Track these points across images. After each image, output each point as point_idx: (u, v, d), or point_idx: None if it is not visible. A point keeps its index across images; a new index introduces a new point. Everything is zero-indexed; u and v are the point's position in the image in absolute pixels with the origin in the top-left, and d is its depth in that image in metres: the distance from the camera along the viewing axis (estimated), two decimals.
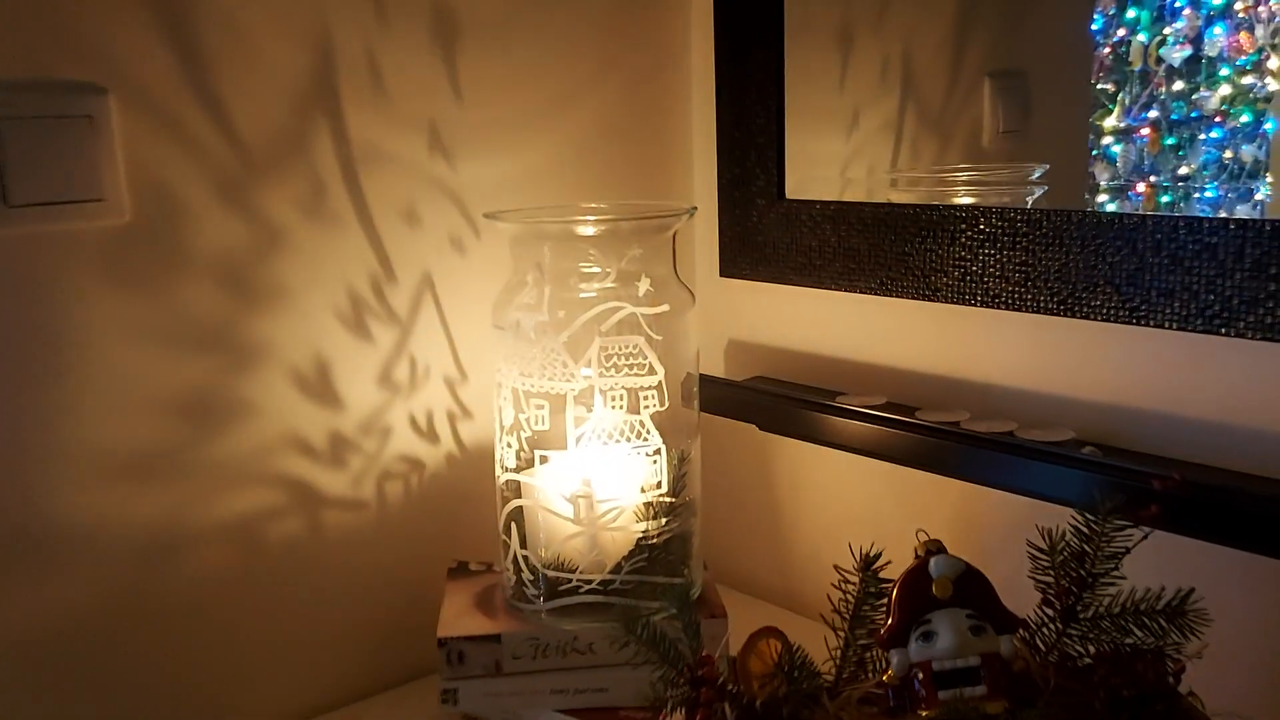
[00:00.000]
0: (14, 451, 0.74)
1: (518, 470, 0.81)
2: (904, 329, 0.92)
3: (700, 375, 0.86)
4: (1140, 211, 0.75)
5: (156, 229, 0.77)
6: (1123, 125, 0.90)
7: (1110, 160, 0.92)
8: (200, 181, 0.79)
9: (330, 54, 0.83)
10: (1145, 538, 0.61)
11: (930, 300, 0.87)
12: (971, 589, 0.60)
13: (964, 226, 0.84)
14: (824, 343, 0.99)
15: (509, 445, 0.81)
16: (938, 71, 0.99)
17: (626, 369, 0.77)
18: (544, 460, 0.81)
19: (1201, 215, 0.73)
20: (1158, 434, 0.76)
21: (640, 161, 1.04)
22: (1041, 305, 0.80)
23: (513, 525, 0.82)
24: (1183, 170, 0.87)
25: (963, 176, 0.96)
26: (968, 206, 0.86)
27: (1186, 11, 0.86)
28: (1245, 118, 0.83)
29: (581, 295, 0.78)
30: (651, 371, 0.78)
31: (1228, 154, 0.84)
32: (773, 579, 1.06)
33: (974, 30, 0.98)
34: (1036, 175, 0.92)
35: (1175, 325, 0.72)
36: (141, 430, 0.79)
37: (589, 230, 0.78)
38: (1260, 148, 0.83)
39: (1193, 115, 0.86)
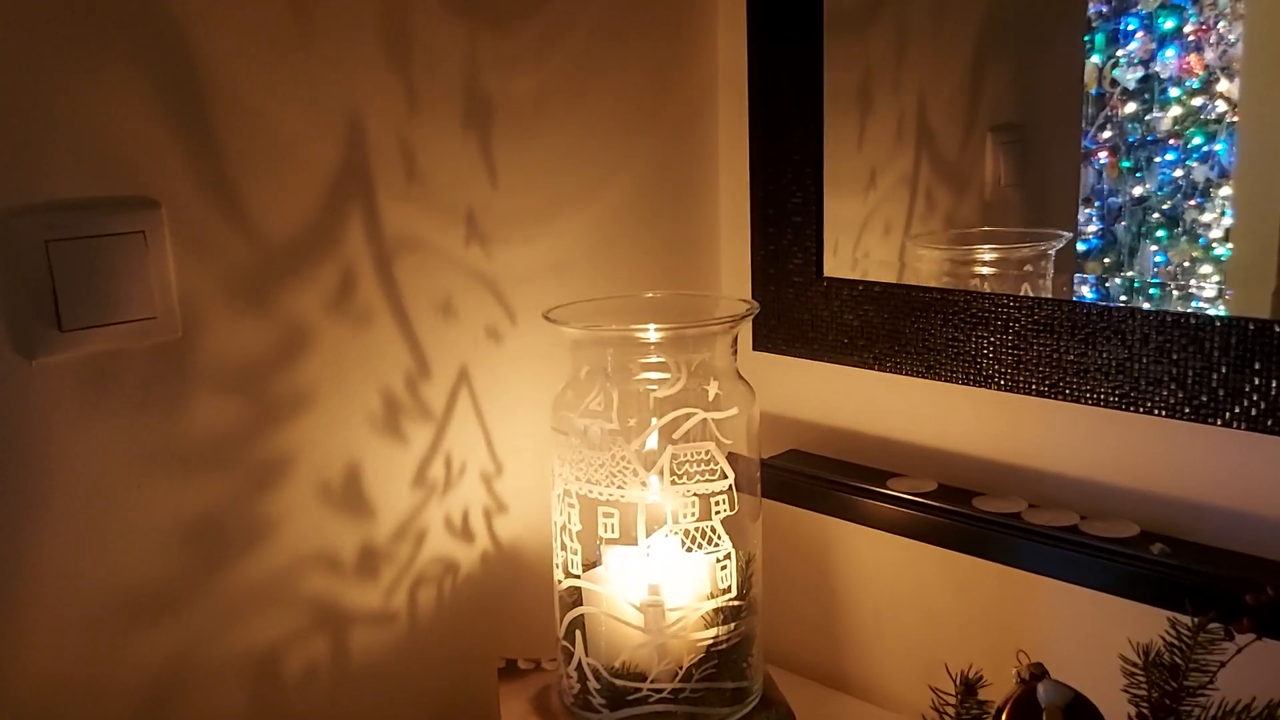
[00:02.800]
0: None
1: (579, 575, 0.84)
2: (952, 411, 0.98)
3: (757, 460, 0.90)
4: (1206, 311, 0.83)
5: (186, 343, 0.78)
6: (1082, 148, 0.97)
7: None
8: (227, 287, 0.79)
9: (363, 145, 0.85)
10: (1240, 651, 0.67)
11: (981, 387, 0.93)
12: (1080, 717, 0.65)
13: (1017, 316, 0.90)
14: (864, 420, 1.05)
15: (571, 551, 0.84)
16: (949, 127, 1.05)
17: (698, 475, 0.81)
18: (608, 567, 0.84)
19: (1272, 320, 0.80)
20: (1221, 528, 0.83)
21: (672, 237, 1.08)
22: (1101, 398, 0.86)
23: (576, 632, 0.85)
24: (1138, 191, 0.96)
25: (978, 234, 1.03)
26: (1023, 297, 0.92)
27: (1140, 34, 0.93)
28: (1197, 139, 0.91)
29: (650, 396, 0.82)
30: (723, 476, 0.82)
31: (1178, 172, 0.92)
32: (820, 658, 1.11)
33: (981, 84, 1.05)
34: (1060, 245, 0.99)
35: (1242, 425, 0.79)
36: (148, 562, 0.77)
37: (656, 335, 0.82)
38: (1213, 169, 0.90)
39: (1149, 139, 0.93)
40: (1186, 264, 0.93)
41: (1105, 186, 0.97)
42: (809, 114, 1.01)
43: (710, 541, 0.82)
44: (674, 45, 1.05)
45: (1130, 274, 0.95)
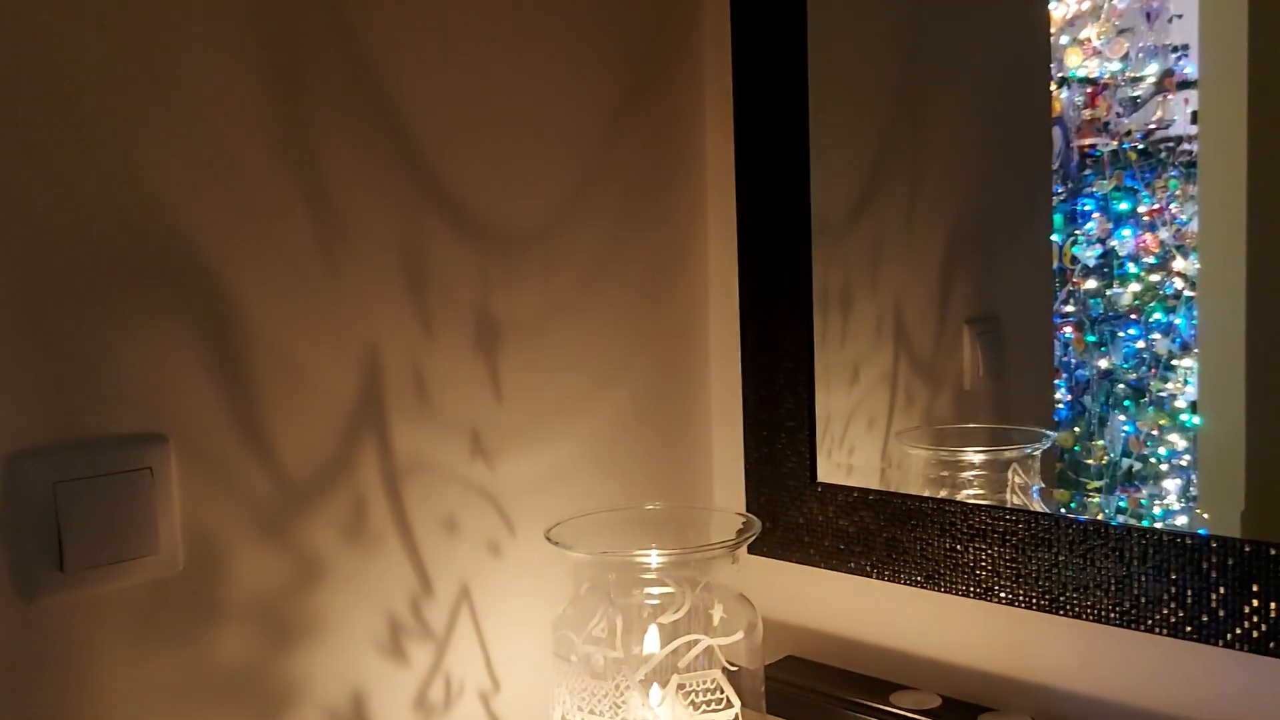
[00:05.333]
0: None
1: None
2: (954, 622, 0.96)
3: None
4: (1214, 535, 0.83)
5: (195, 577, 0.76)
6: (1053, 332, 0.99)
7: None
8: (241, 521, 0.79)
9: (378, 372, 0.86)
10: None
11: (981, 599, 0.92)
12: None
13: (1016, 529, 0.90)
14: (864, 628, 1.03)
15: None
16: (925, 322, 1.08)
17: (705, 705, 0.79)
18: None
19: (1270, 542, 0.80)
20: None
21: (667, 445, 1.09)
22: (1101, 616, 0.85)
23: None
24: (1104, 363, 0.97)
25: (963, 431, 1.04)
26: (1021, 510, 0.92)
27: (1096, 215, 0.96)
28: (1157, 314, 0.93)
29: (658, 621, 0.80)
30: (729, 705, 0.80)
31: (1141, 345, 0.94)
32: None
33: (953, 281, 1.08)
34: (1045, 446, 1.00)
35: (1248, 649, 0.78)
36: None
37: (659, 560, 0.81)
38: (1174, 341, 0.93)
39: (1110, 314, 0.96)
40: (1154, 432, 0.94)
41: (1072, 359, 1.00)
42: (799, 323, 1.03)
43: None
44: (668, 262, 1.09)
45: (1101, 484, 0.96)
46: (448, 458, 0.90)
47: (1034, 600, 0.89)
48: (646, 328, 1.07)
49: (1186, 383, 0.92)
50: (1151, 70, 0.93)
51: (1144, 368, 0.95)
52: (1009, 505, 0.97)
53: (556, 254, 0.98)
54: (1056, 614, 0.87)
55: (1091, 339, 0.98)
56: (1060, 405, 1.00)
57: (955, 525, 0.94)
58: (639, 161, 1.05)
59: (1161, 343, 0.94)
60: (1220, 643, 0.79)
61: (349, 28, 0.83)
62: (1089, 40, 0.96)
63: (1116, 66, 0.95)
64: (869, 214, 1.10)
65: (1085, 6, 0.96)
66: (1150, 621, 0.83)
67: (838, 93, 1.05)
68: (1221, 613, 0.79)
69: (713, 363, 1.13)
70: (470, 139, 0.91)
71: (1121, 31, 0.95)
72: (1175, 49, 0.91)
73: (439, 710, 0.90)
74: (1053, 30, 0.98)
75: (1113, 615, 0.84)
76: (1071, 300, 0.99)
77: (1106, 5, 0.95)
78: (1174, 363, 0.93)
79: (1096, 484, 0.96)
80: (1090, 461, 0.97)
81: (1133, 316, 0.95)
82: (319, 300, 0.82)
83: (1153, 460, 0.94)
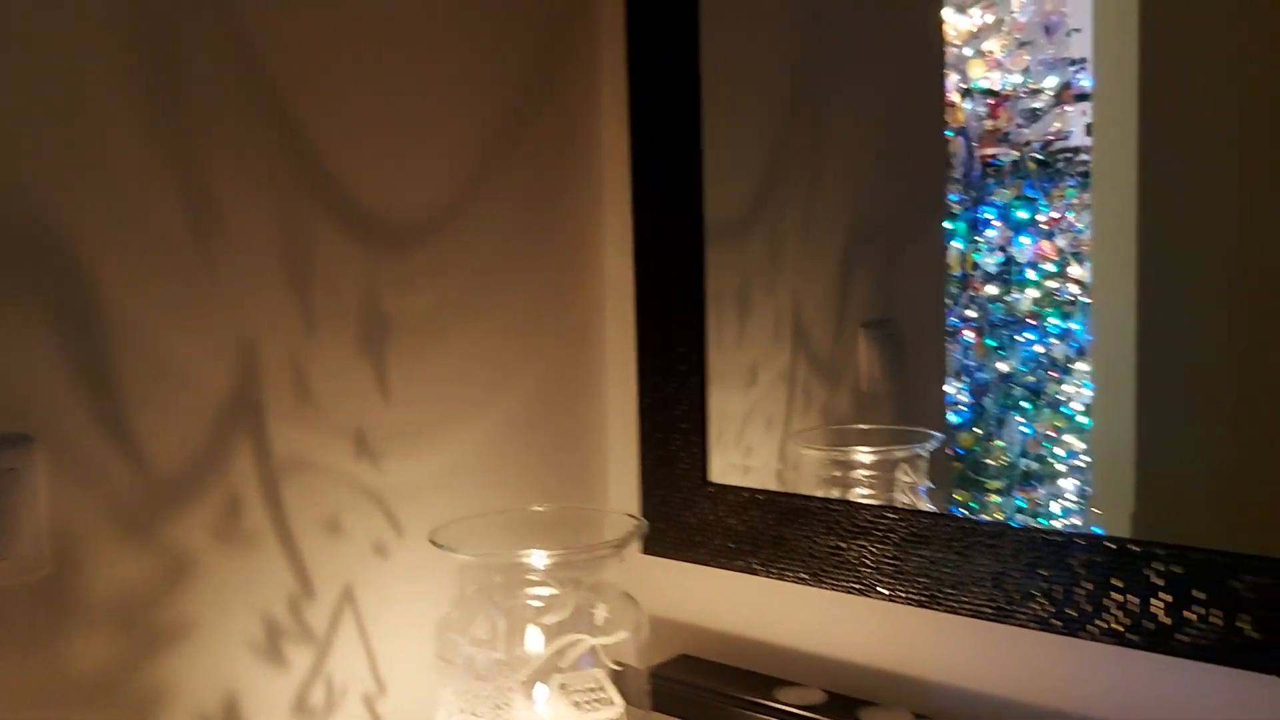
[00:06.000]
0: None
1: None
2: (838, 619, 0.98)
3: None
4: (1076, 530, 0.86)
5: (61, 579, 0.74)
6: (948, 327, 1.02)
7: None
8: (109, 522, 0.76)
9: (256, 369, 0.84)
10: None
11: (863, 595, 0.94)
12: None
13: (895, 527, 0.92)
14: (754, 626, 1.04)
15: None
16: (822, 325, 1.10)
17: (586, 705, 0.79)
18: None
19: (1129, 539, 0.83)
20: None
21: (562, 446, 1.09)
22: (975, 610, 0.87)
23: None
24: (1003, 367, 1.00)
25: (856, 431, 1.06)
26: (901, 508, 0.94)
27: (997, 223, 0.99)
28: (1054, 319, 0.96)
29: (540, 622, 0.80)
30: (611, 704, 0.80)
31: (1039, 349, 0.96)
32: None
33: (851, 284, 1.10)
34: (933, 445, 1.03)
35: (1109, 640, 0.81)
36: None
37: (544, 561, 0.81)
38: (1071, 346, 0.95)
39: (1009, 319, 0.98)
40: (1051, 434, 0.97)
41: (972, 363, 1.02)
42: (693, 325, 1.04)
43: None
44: (564, 265, 1.08)
45: (1000, 484, 0.99)
46: (330, 458, 0.89)
47: (913, 596, 0.91)
48: (542, 330, 1.06)
49: (1084, 386, 0.95)
50: (1051, 83, 0.95)
51: (1041, 371, 0.97)
52: (898, 504, 0.99)
53: (449, 254, 0.97)
54: (935, 610, 0.89)
55: (991, 343, 1.00)
56: (960, 407, 1.02)
57: (839, 523, 0.95)
58: (535, 165, 1.05)
59: (1058, 347, 0.96)
60: (1086, 636, 0.81)
61: (235, 16, 0.81)
62: (991, 53, 0.98)
63: (1018, 79, 0.97)
64: (766, 218, 1.12)
65: (989, 20, 0.98)
66: (1022, 616, 0.85)
67: (733, 100, 1.06)
68: (1088, 607, 0.81)
69: (609, 365, 1.13)
70: (359, 135, 0.90)
71: (1022, 45, 0.97)
72: (1073, 62, 0.93)
73: (320, 714, 0.88)
74: (957, 42, 0.99)
75: (987, 610, 0.87)
76: (973, 305, 1.01)
77: (1009, 19, 0.98)
78: (1071, 366, 0.96)
79: (996, 484, 0.99)
80: (990, 462, 1.00)
81: (1031, 321, 0.98)
82: (193, 295, 0.80)
83: (1049, 461, 0.97)
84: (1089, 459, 0.95)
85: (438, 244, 0.96)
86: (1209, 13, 0.89)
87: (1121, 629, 0.80)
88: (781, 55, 1.10)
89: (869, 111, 1.08)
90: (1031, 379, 0.98)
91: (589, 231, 1.10)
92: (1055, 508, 0.96)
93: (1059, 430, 0.96)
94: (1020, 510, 0.97)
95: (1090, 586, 0.82)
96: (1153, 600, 0.79)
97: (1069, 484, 0.96)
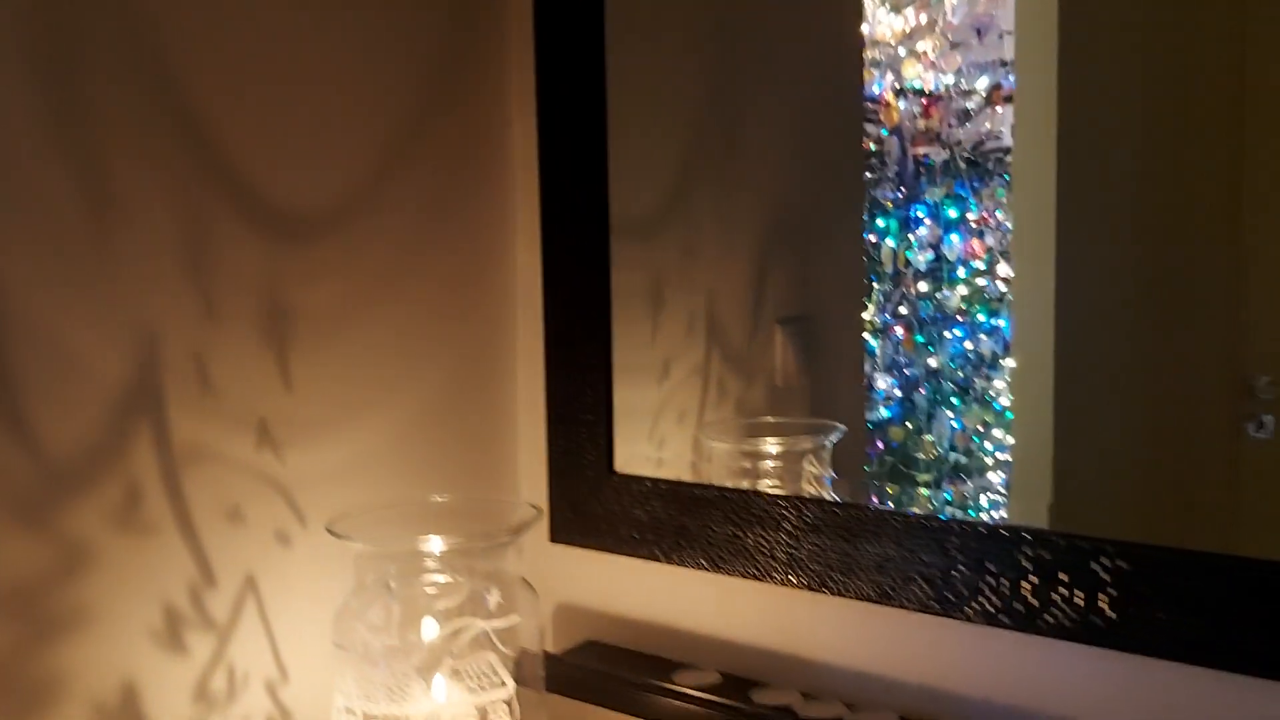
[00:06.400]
0: None
1: None
2: (737, 604, 1.01)
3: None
4: (956, 519, 0.90)
5: None
6: (879, 322, 1.06)
7: (869, 353, 1.07)
8: (3, 507, 0.76)
9: (155, 357, 0.84)
10: None
11: (759, 581, 0.97)
12: None
13: (788, 514, 0.95)
14: (657, 611, 1.07)
15: None
16: (738, 321, 1.13)
17: (478, 686, 0.81)
18: None
19: (1002, 524, 0.87)
20: (971, 716, 0.88)
21: (472, 437, 1.10)
22: (862, 594, 0.91)
23: None
24: (933, 362, 1.03)
25: (766, 424, 1.09)
26: (794, 497, 0.97)
27: (928, 221, 1.01)
28: (982, 316, 0.99)
29: (433, 608, 0.82)
30: (502, 685, 0.82)
31: (968, 345, 0.99)
32: None
33: (766, 282, 1.13)
34: (836, 436, 1.06)
35: (983, 621, 0.85)
36: None
37: (439, 548, 0.83)
38: (998, 343, 0.98)
39: (938, 316, 1.01)
40: (980, 428, 1.00)
41: (902, 359, 1.05)
42: (598, 321, 1.06)
43: None
44: (474, 260, 1.10)
45: (930, 477, 1.02)
46: (232, 448, 0.90)
47: (805, 581, 0.94)
48: (452, 323, 1.08)
49: (1011, 381, 0.97)
50: (982, 84, 0.97)
51: (970, 367, 1.00)
52: (805, 494, 1.02)
53: (355, 248, 0.98)
54: (824, 594, 0.93)
55: (920, 339, 1.03)
56: (889, 401, 1.05)
57: (736, 512, 0.99)
58: (444, 160, 1.06)
59: (986, 343, 0.99)
60: (961, 618, 0.85)
61: (134, 2, 0.82)
62: (925, 53, 1.00)
63: (950, 80, 0.99)
64: (679, 215, 1.14)
65: (923, 20, 1.00)
66: (904, 599, 0.89)
67: (645, 99, 1.08)
68: (965, 591, 0.85)
69: (520, 359, 1.15)
70: (261, 127, 0.91)
71: (955, 46, 0.99)
72: (1004, 64, 0.95)
73: (221, 701, 0.89)
74: (892, 42, 1.01)
75: (872, 594, 0.90)
76: (904, 302, 1.04)
77: (942, 20, 0.99)
78: (999, 362, 0.99)
79: (925, 477, 1.02)
80: (920, 456, 1.03)
81: (960, 318, 1.00)
82: (91, 286, 0.80)
83: (978, 455, 1.00)
84: (1012, 444, 0.98)
85: (343, 237, 0.97)
86: (1125, 19, 0.92)
87: (993, 609, 0.84)
88: (696, 55, 1.12)
89: (785, 112, 1.11)
90: (960, 375, 1.01)
91: (499, 227, 1.12)
92: (984, 500, 1.00)
93: (987, 425, 0.99)
94: (948, 503, 1.01)
95: (964, 570, 0.86)
96: (1022, 583, 0.83)
97: (997, 477, 0.99)
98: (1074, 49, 0.92)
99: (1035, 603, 0.82)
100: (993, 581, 0.84)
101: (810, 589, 0.94)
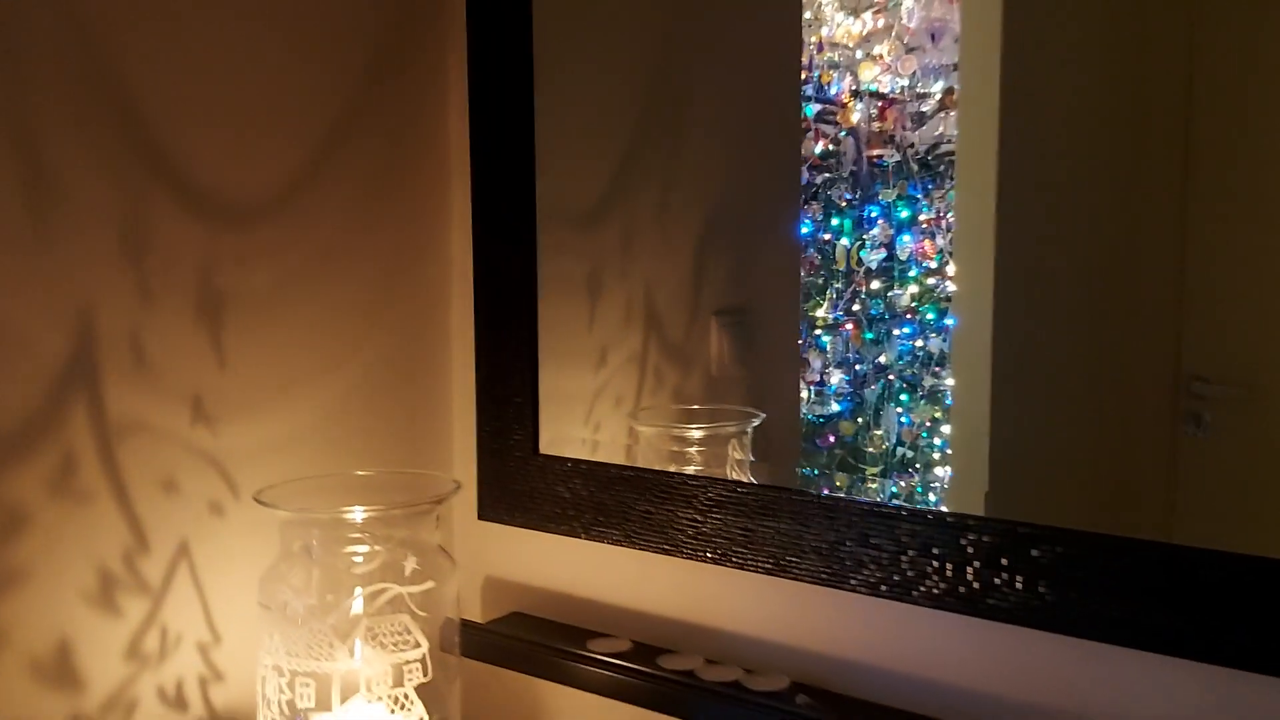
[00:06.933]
0: None
1: None
2: (650, 577, 1.07)
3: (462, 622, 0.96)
4: (839, 495, 0.96)
5: None
6: (830, 319, 1.09)
7: (821, 349, 1.10)
8: None
9: (91, 334, 0.89)
10: None
11: (670, 555, 1.03)
12: None
13: (697, 493, 1.01)
14: (577, 585, 1.13)
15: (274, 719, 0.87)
16: (675, 311, 1.18)
17: (393, 646, 0.86)
18: None
19: (883, 503, 0.93)
20: (860, 681, 0.94)
21: (405, 417, 1.16)
22: (761, 566, 0.97)
23: None
24: (882, 359, 1.06)
25: (699, 411, 1.15)
26: (701, 476, 1.03)
27: (880, 221, 1.04)
28: (930, 314, 1.02)
29: (351, 572, 0.87)
30: (416, 646, 0.88)
31: (918, 343, 1.02)
32: None
33: (704, 274, 1.18)
34: (756, 423, 1.12)
35: (866, 591, 0.91)
36: None
37: (360, 516, 0.88)
38: (946, 341, 1.01)
39: (887, 315, 1.04)
40: (928, 423, 1.03)
41: (852, 355, 1.09)
42: (526, 310, 1.11)
43: (403, 707, 0.87)
44: (409, 246, 1.15)
45: (878, 469, 1.06)
46: (167, 421, 0.95)
47: (711, 555, 1.00)
48: (387, 305, 1.13)
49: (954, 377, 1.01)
50: (937, 88, 0.99)
51: (918, 364, 1.04)
52: (717, 476, 1.08)
53: (291, 231, 1.03)
54: (728, 566, 0.99)
55: (870, 336, 1.06)
56: (842, 397, 1.08)
57: (651, 490, 1.04)
58: (380, 148, 1.11)
59: (935, 341, 1.03)
60: (846, 589, 0.91)
61: None
62: (881, 56, 1.03)
63: (906, 83, 1.01)
64: (620, 208, 1.19)
65: (880, 24, 1.02)
66: (797, 572, 0.95)
67: (583, 93, 1.13)
68: (849, 562, 0.91)
69: (454, 341, 1.20)
70: (197, 112, 0.95)
71: (911, 50, 1.01)
72: (957, 68, 0.97)
73: (153, 660, 0.95)
74: (849, 44, 1.04)
75: (768, 566, 0.96)
76: (856, 300, 1.07)
77: (898, 24, 1.01)
78: (947, 360, 1.02)
79: (874, 469, 1.06)
80: (869, 450, 1.06)
81: (909, 316, 1.03)
82: (30, 266, 0.85)
83: (924, 450, 1.03)
84: (953, 436, 1.01)
85: (279, 221, 1.02)
86: (1071, 23, 0.94)
87: (874, 580, 0.90)
88: (638, 51, 1.16)
89: (726, 111, 1.14)
90: (909, 372, 1.04)
91: (436, 216, 1.17)
92: (931, 496, 1.03)
93: (935, 421, 1.02)
94: (894, 496, 1.04)
95: (849, 544, 0.92)
96: (901, 557, 0.89)
97: (944, 472, 1.02)
98: (1018, 53, 0.95)
99: (912, 574, 0.88)
100: (876, 554, 0.90)
101: (715, 562, 1.00)
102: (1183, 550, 0.78)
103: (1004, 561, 0.84)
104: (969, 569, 0.86)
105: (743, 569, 0.98)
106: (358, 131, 1.09)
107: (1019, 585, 0.84)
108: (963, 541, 0.86)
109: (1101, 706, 0.84)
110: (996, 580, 0.84)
